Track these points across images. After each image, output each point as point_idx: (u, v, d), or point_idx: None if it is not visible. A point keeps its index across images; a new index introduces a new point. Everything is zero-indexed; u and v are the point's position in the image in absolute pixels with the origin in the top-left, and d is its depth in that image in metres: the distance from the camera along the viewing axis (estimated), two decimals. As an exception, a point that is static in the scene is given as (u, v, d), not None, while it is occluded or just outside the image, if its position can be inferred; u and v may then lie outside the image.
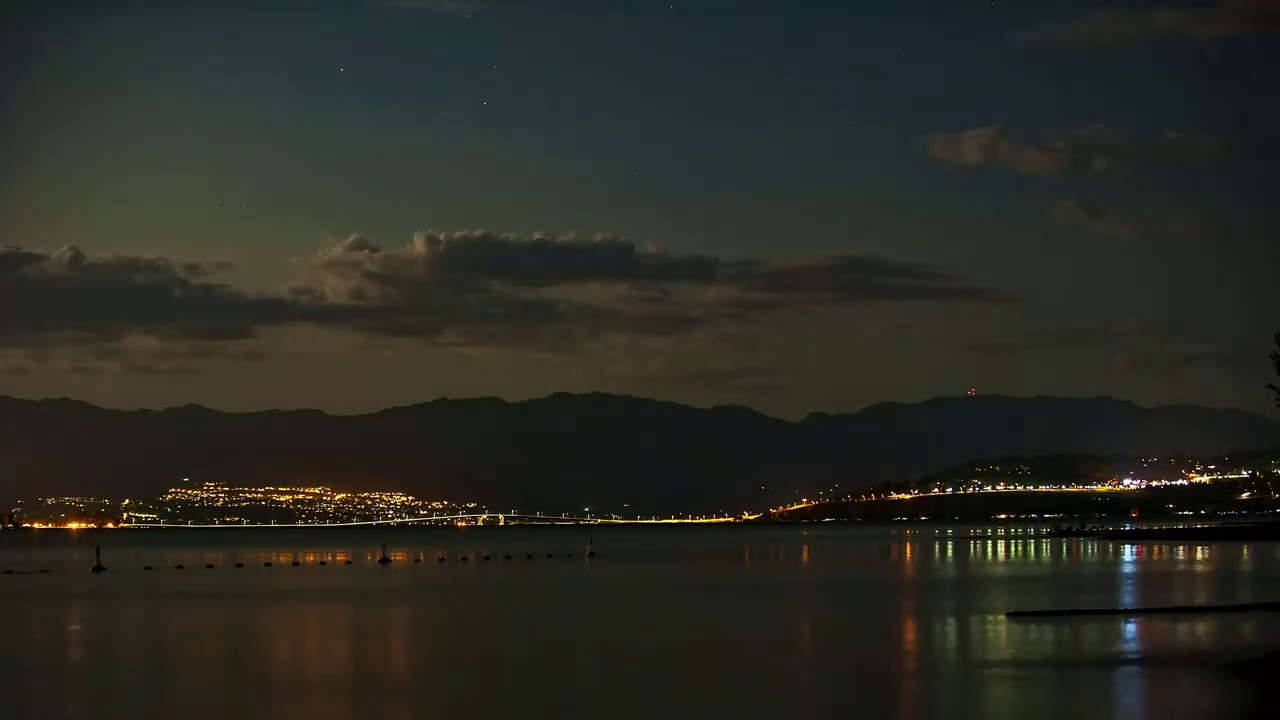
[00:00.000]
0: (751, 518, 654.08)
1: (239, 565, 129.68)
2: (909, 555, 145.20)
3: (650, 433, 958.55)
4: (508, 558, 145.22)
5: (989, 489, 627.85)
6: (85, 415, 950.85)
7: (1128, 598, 69.59)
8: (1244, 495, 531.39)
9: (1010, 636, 48.66)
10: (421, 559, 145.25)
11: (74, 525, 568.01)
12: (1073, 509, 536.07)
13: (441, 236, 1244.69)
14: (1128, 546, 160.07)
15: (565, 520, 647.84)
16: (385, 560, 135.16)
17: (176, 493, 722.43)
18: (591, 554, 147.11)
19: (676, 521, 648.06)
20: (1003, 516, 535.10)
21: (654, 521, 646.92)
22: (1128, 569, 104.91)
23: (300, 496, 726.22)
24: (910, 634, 51.48)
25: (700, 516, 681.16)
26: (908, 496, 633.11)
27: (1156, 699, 34.59)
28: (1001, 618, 55.14)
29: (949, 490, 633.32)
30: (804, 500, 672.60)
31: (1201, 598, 67.65)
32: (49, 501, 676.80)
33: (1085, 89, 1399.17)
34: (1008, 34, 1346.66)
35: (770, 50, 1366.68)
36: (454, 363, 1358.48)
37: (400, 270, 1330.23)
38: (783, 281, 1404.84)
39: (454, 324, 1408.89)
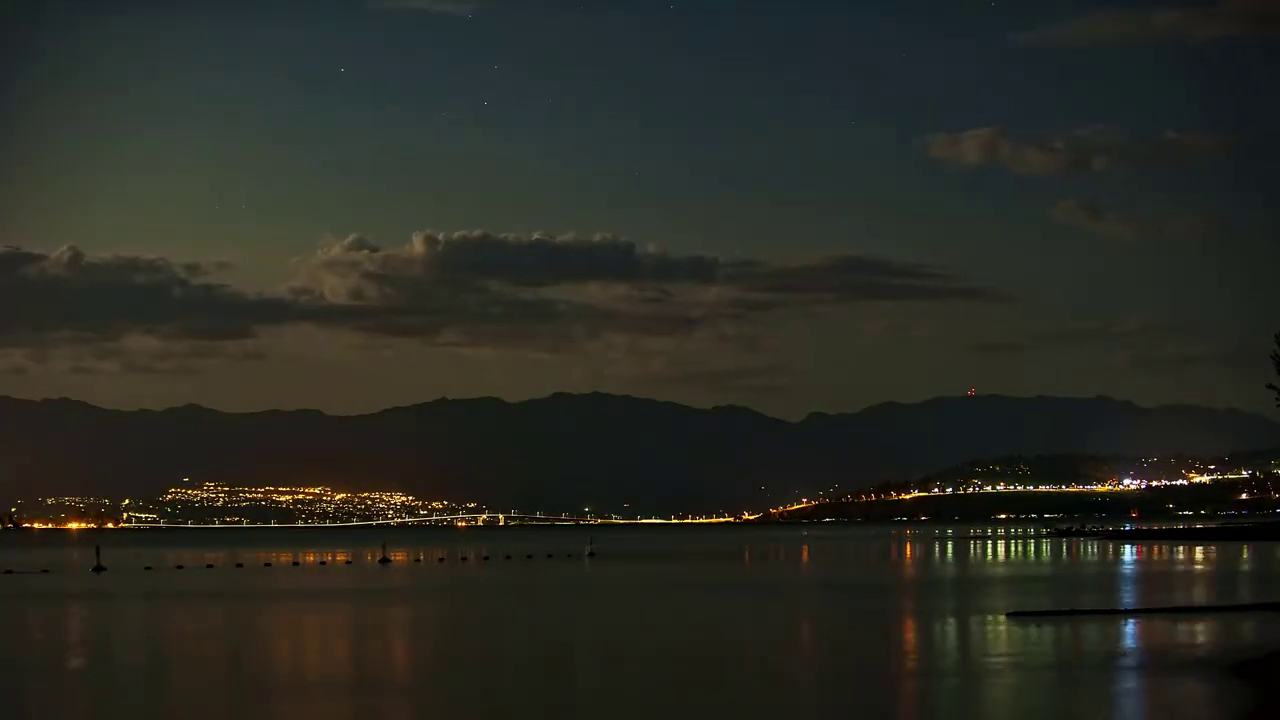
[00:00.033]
0: (751, 518, 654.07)
1: (239, 565, 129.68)
2: (909, 555, 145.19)
3: (650, 433, 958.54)
4: (508, 558, 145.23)
5: (989, 489, 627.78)
6: (85, 415, 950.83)
7: (1128, 598, 69.58)
8: (1244, 495, 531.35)
9: (1010, 636, 48.66)
10: (421, 559, 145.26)
11: (74, 525, 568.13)
12: (1073, 509, 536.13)
13: (440, 236, 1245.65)
14: (1128, 546, 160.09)
15: (565, 520, 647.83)
16: (385, 560, 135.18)
17: (176, 493, 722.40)
18: (591, 554, 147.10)
19: (676, 521, 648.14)
20: (1003, 516, 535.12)
21: (654, 521, 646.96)
22: (1128, 569, 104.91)
23: (300, 496, 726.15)
24: (910, 634, 51.47)
25: (700, 516, 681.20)
26: (908, 496, 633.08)
27: (1156, 699, 34.60)
28: (1001, 618, 55.15)
29: (949, 490, 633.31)
30: (804, 500, 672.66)
31: (1201, 598, 67.67)
32: (49, 501, 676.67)
33: (1085, 89, 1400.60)
34: (1008, 34, 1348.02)
35: (770, 50, 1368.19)
36: (453, 363, 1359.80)
37: (399, 270, 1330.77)
38: (783, 281, 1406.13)
39: (453, 324, 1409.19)
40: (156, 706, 35.69)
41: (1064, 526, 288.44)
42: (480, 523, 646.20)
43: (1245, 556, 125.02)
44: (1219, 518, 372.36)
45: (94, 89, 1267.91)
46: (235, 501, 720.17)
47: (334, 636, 54.87)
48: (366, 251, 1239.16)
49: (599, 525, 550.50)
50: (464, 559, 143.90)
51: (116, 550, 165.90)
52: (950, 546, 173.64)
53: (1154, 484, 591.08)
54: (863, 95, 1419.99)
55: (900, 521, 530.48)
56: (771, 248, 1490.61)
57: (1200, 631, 49.58)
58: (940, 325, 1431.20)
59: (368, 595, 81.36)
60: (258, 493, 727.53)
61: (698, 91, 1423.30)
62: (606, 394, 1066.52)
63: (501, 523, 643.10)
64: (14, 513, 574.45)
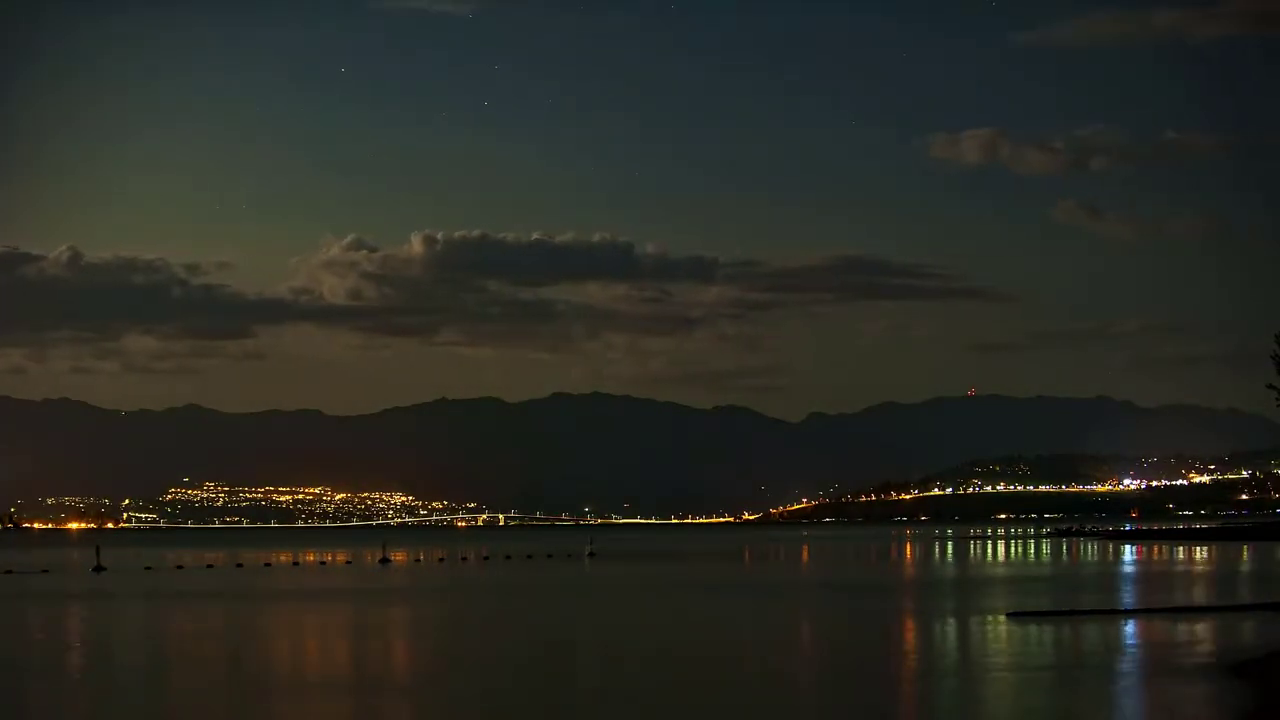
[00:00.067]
0: (751, 518, 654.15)
1: (239, 565, 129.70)
2: (909, 555, 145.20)
3: (650, 433, 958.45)
4: (508, 558, 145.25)
5: (989, 489, 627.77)
6: (85, 415, 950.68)
7: (1128, 598, 69.60)
8: (1244, 495, 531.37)
9: (1010, 637, 48.67)
10: (421, 559, 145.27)
11: (74, 525, 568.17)
12: (1073, 509, 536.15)
13: (439, 236, 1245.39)
14: (1128, 546, 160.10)
15: (565, 520, 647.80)
16: (385, 560, 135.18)
17: (176, 493, 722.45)
18: (591, 554, 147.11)
19: (676, 521, 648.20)
20: (1003, 516, 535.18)
21: (654, 521, 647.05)
22: (1128, 569, 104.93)
23: (300, 496, 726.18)
24: (910, 634, 51.48)
25: (700, 516, 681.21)
26: (908, 496, 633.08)
27: (1156, 699, 34.60)
28: (1001, 618, 55.16)
29: (949, 490, 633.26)
30: (804, 500, 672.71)
31: (1201, 598, 67.67)
32: (49, 501, 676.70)
33: (1085, 89, 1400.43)
34: (1008, 34, 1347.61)
35: (770, 51, 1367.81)
36: (452, 363, 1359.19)
37: (398, 270, 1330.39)
38: (783, 281, 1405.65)
39: (452, 324, 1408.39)
40: (156, 706, 35.69)
41: (1062, 527, 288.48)
42: (480, 523, 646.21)
43: (1245, 556, 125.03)
44: (1219, 518, 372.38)
45: (94, 89, 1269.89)
46: (235, 501, 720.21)
47: (334, 636, 54.88)
48: (365, 251, 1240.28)
49: (599, 525, 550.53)
50: (464, 559, 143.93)
51: (116, 550, 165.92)
52: (950, 546, 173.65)
53: (1154, 484, 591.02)
54: (863, 95, 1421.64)
55: (900, 521, 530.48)
56: (771, 248, 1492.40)
57: (1200, 631, 49.57)
58: (940, 325, 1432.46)
59: (368, 595, 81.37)
60: (258, 493, 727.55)
61: (698, 91, 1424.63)
62: (606, 394, 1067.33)
63: (501, 523, 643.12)
64: (14, 513, 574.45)
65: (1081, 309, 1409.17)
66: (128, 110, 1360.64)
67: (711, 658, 44.74)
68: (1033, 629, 50.68)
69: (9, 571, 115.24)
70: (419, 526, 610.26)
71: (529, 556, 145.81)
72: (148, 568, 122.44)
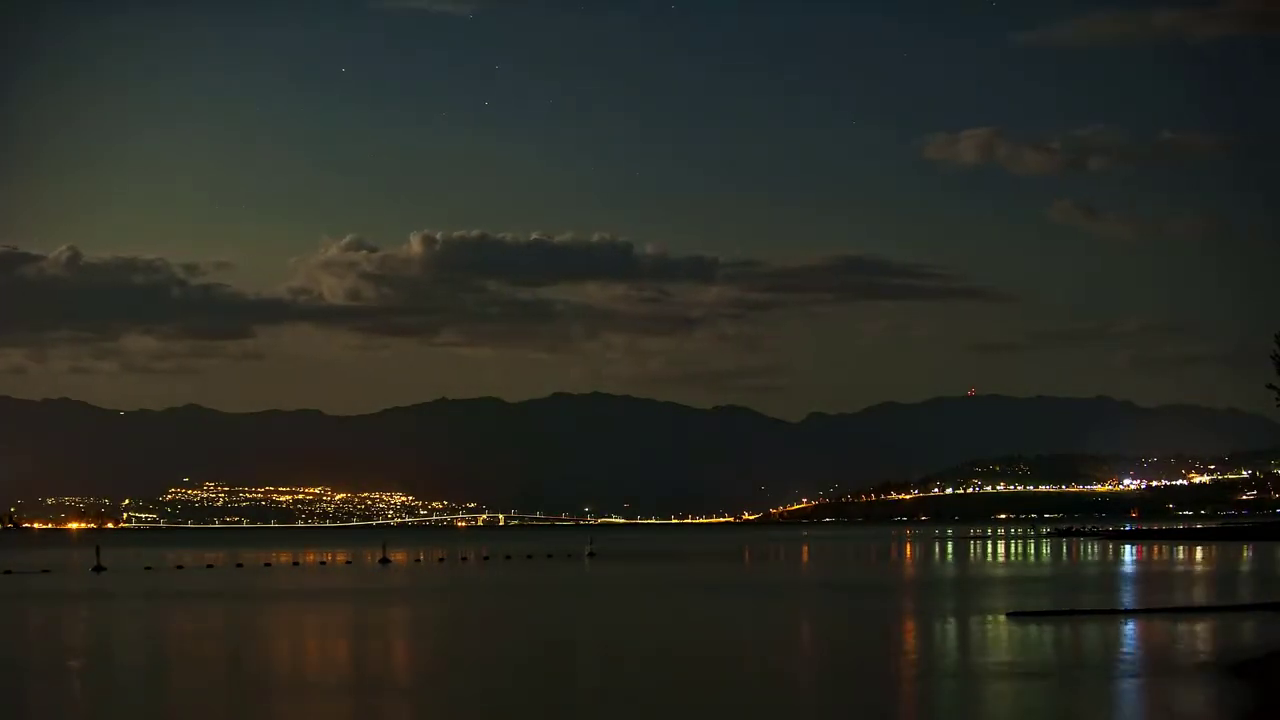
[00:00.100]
0: (751, 518, 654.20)
1: (239, 565, 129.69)
2: (909, 555, 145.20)
3: (650, 433, 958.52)
4: (508, 558, 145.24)
5: (989, 489, 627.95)
6: (85, 415, 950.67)
7: (1128, 598, 69.59)
8: (1244, 495, 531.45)
9: (1010, 637, 48.67)
10: (421, 559, 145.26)
11: (74, 525, 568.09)
12: (1073, 509, 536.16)
13: (438, 236, 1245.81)
14: (1128, 546, 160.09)
15: (565, 520, 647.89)
16: (385, 560, 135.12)
17: (176, 493, 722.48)
18: (591, 554, 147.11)
19: (676, 521, 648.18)
20: (1003, 516, 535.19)
21: (654, 521, 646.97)
22: (1128, 569, 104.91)
23: (300, 496, 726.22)
24: (910, 634, 51.47)
25: (700, 516, 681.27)
26: (908, 496, 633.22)
27: (1156, 699, 34.59)
28: (1001, 618, 55.17)
29: (949, 490, 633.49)
30: (804, 500, 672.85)
31: (1201, 598, 67.65)
32: (49, 501, 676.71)
33: (1085, 89, 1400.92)
34: (1008, 34, 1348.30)
35: (771, 51, 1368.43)
36: (451, 363, 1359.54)
37: (397, 270, 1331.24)
38: (783, 281, 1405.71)
39: (451, 324, 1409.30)
40: (156, 707, 35.70)
41: (1062, 527, 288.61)
42: (480, 523, 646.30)
43: (1245, 556, 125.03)
44: (1219, 518, 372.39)
45: (94, 89, 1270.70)
46: (235, 501, 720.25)
47: (334, 637, 54.88)
48: (365, 251, 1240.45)
49: (599, 525, 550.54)
50: (464, 559, 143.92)
51: (116, 550, 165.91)
52: (950, 546, 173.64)
53: (1154, 484, 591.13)
54: (863, 95, 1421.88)
55: (900, 521, 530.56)
56: (771, 248, 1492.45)
57: (1200, 631, 49.57)
58: (940, 325, 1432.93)
59: (368, 595, 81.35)
60: (258, 493, 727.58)
61: (698, 91, 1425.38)
62: (606, 394, 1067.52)
63: (501, 523, 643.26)
64: (14, 513, 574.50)
65: (1081, 309, 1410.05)
66: (128, 110, 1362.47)
67: (711, 658, 44.74)
68: (1033, 629, 50.68)
69: (9, 571, 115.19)
70: (419, 526, 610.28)
71: (529, 556, 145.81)
72: (148, 568, 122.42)
